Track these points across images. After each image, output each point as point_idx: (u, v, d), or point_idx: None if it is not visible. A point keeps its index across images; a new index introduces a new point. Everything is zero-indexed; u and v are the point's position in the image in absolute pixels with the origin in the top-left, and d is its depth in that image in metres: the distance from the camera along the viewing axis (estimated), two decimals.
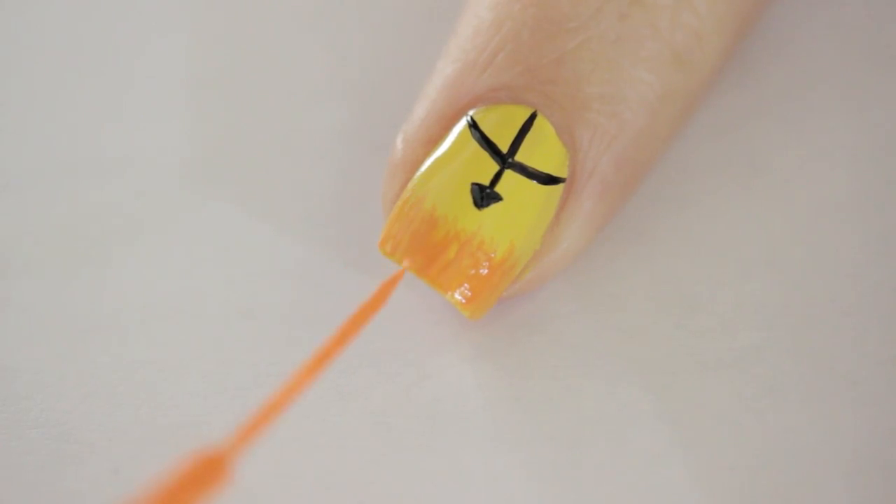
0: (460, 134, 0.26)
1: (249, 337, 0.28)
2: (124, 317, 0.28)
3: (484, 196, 0.26)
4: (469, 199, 0.26)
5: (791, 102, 0.30)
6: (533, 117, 0.26)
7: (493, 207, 0.26)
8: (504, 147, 0.26)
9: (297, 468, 0.26)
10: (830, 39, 0.31)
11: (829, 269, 0.28)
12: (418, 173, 0.26)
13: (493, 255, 0.26)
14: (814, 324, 0.28)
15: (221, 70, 0.32)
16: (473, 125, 0.26)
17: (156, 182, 0.30)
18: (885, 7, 0.31)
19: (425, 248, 0.26)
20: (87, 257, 0.29)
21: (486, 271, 0.26)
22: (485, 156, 0.26)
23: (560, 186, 0.26)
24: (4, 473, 0.27)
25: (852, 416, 0.26)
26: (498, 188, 0.26)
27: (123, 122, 0.31)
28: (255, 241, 0.29)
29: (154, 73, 0.32)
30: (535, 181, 0.26)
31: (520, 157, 0.26)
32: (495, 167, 0.26)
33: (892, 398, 0.27)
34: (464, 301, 0.26)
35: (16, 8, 0.33)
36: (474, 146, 0.26)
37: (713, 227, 0.29)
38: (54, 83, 0.32)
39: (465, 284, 0.26)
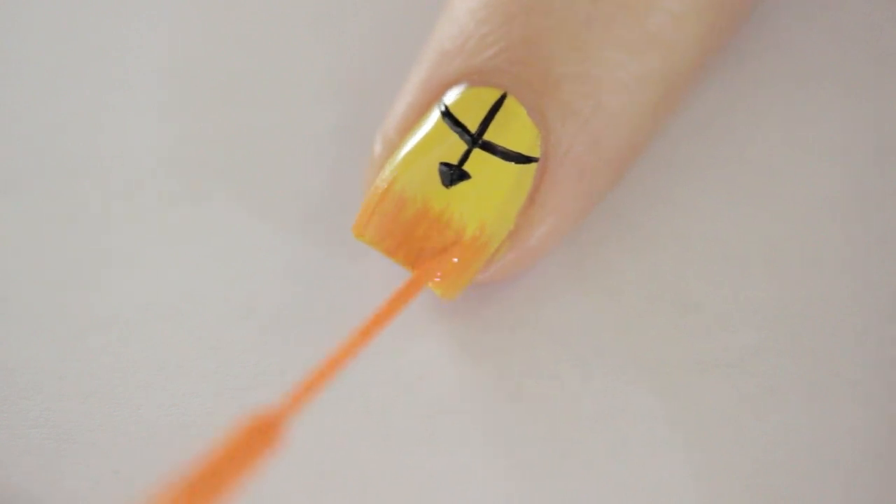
0: (431, 120, 0.27)
1: (248, 336, 0.28)
2: (124, 316, 0.28)
3: (451, 174, 0.26)
4: (438, 179, 0.26)
5: (788, 100, 0.30)
6: (503, 98, 0.26)
7: (462, 186, 0.26)
8: (473, 127, 0.26)
9: (296, 467, 0.26)
10: (826, 36, 0.31)
11: (827, 268, 0.28)
12: (390, 159, 0.26)
13: (462, 233, 0.26)
14: (813, 323, 0.28)
15: (217, 69, 0.32)
16: (445, 111, 0.26)
17: (154, 181, 0.30)
18: (881, 4, 0.31)
19: (394, 229, 0.26)
20: (87, 257, 0.29)
21: (456, 250, 0.26)
22: (454, 136, 0.26)
23: (533, 166, 0.26)
24: (5, 473, 0.27)
25: (852, 416, 0.27)
26: (466, 167, 0.26)
27: (120, 122, 0.31)
28: (252, 240, 0.29)
29: (149, 72, 0.32)
30: (504, 159, 0.26)
31: (489, 136, 0.26)
32: (464, 147, 0.26)
33: (892, 398, 0.27)
34: (436, 279, 0.26)
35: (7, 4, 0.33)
36: (444, 129, 0.26)
37: (711, 225, 0.29)
38: (50, 83, 0.32)
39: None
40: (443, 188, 0.26)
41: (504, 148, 0.26)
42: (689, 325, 0.28)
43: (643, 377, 0.27)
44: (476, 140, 0.26)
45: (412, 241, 0.26)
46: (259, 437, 0.22)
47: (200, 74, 0.32)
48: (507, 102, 0.26)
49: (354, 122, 0.31)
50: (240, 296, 0.29)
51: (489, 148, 0.26)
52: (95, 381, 0.28)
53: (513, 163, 0.26)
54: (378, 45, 0.32)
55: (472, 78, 0.27)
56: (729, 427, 0.27)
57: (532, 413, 0.27)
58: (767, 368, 0.27)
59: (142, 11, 0.33)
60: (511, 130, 0.26)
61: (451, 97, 0.27)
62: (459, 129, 0.26)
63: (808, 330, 0.27)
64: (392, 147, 0.27)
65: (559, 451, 0.27)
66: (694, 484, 0.26)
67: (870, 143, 0.30)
